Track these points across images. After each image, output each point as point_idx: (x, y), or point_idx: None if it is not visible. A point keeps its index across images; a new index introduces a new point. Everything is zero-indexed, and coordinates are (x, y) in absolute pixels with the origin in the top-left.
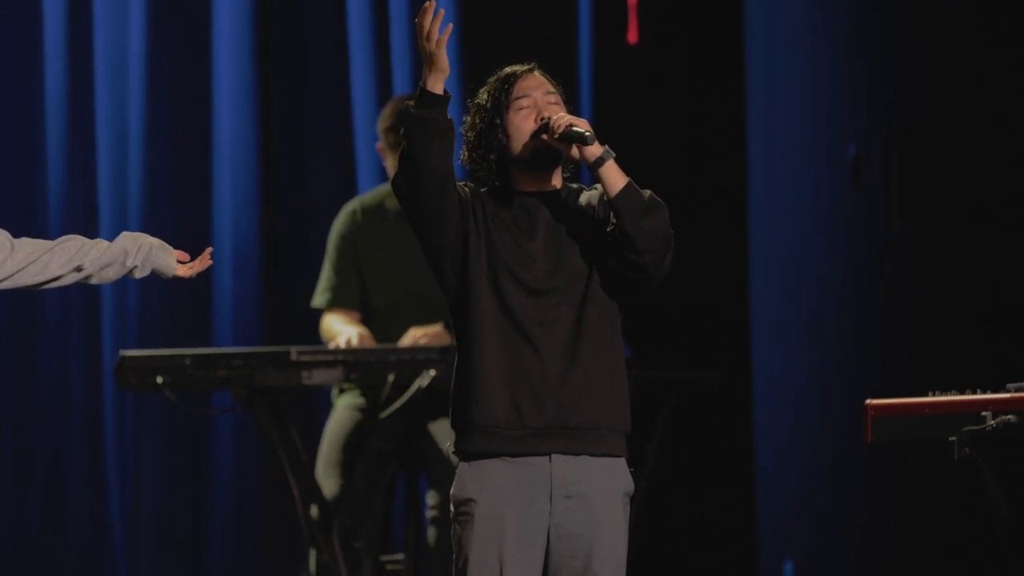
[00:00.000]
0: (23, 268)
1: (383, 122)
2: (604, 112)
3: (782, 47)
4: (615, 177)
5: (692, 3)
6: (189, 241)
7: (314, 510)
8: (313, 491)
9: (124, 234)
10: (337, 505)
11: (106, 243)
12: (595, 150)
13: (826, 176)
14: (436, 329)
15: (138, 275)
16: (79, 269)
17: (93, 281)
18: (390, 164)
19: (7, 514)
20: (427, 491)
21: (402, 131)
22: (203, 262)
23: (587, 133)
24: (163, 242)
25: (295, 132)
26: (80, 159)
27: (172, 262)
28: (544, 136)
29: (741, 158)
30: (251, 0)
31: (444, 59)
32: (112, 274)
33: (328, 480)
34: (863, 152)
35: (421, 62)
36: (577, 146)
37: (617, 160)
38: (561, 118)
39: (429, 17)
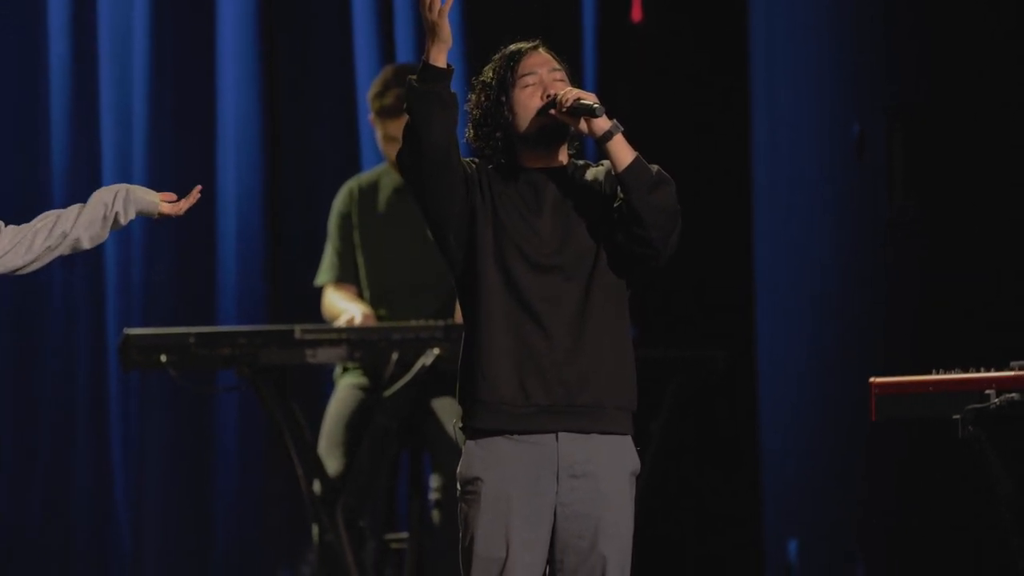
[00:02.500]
0: (10, 250)
1: (371, 91)
2: (608, 91)
3: (786, 26)
4: (623, 151)
5: None
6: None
7: (317, 486)
8: (316, 468)
9: (98, 189)
10: (340, 483)
11: (81, 205)
12: (603, 123)
13: (830, 156)
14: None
15: (124, 221)
16: (64, 235)
17: (86, 244)
18: (380, 135)
19: (11, 492)
20: (430, 473)
21: (405, 105)
22: (190, 199)
23: (596, 105)
24: (141, 186)
25: (299, 111)
26: (84, 140)
27: (154, 199)
28: (552, 111)
29: (745, 138)
30: None
31: (446, 29)
32: (99, 230)
33: (330, 459)
34: (867, 132)
35: (424, 42)
36: (585, 120)
37: (625, 135)
38: (569, 91)
39: None
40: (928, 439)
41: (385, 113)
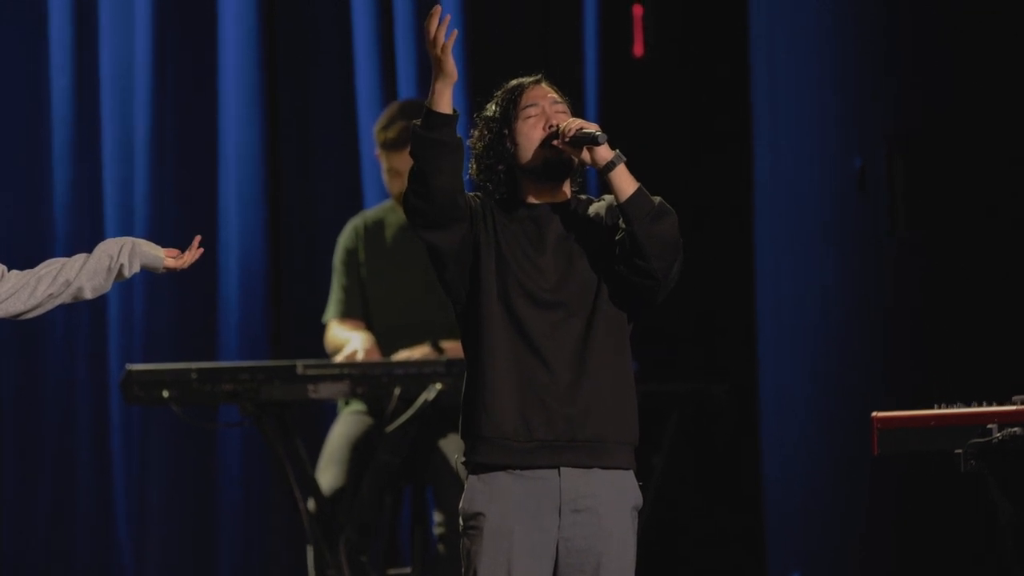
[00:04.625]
0: (12, 295)
1: (377, 125)
2: (610, 125)
3: (787, 59)
4: (626, 182)
5: (698, 16)
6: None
7: (311, 503)
8: (317, 498)
9: (104, 241)
10: (335, 504)
11: (86, 255)
12: (606, 153)
13: (831, 186)
14: (424, 350)
15: (128, 273)
16: (68, 283)
17: (88, 294)
18: (384, 167)
19: (14, 529)
20: (434, 508)
21: (410, 151)
22: (193, 253)
23: (598, 133)
24: (146, 240)
25: (301, 144)
26: (86, 173)
27: (159, 254)
28: (555, 142)
29: (747, 170)
30: (257, 13)
31: (451, 64)
32: (103, 280)
33: (325, 474)
34: (868, 162)
35: (425, 77)
36: (588, 150)
37: (627, 165)
38: (572, 121)
39: (435, 23)
40: (930, 473)
41: (390, 146)
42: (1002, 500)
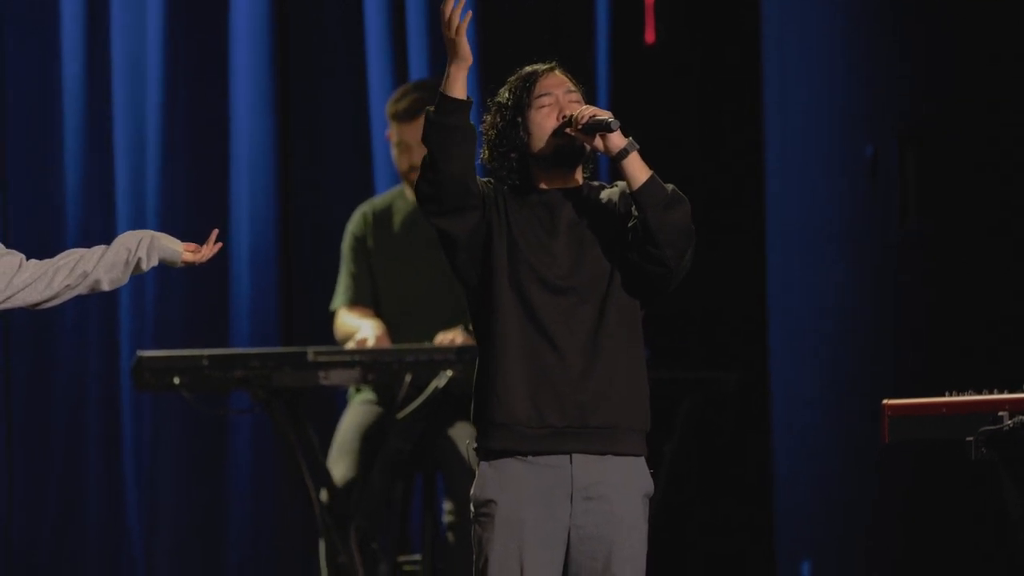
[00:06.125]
0: (30, 284)
1: (389, 100)
2: (621, 112)
3: (798, 46)
4: (639, 169)
5: (709, 3)
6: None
7: (324, 494)
8: (330, 488)
9: (123, 233)
10: (348, 495)
11: (105, 247)
12: (619, 140)
13: (842, 176)
14: (455, 333)
15: (146, 267)
16: (85, 275)
17: (105, 287)
18: (394, 142)
19: (24, 515)
20: (444, 496)
21: (423, 136)
22: (211, 247)
23: (611, 120)
24: (165, 233)
25: (312, 133)
26: (98, 163)
27: (178, 248)
28: (568, 129)
29: (758, 158)
30: (268, 5)
31: (465, 46)
32: (120, 274)
33: (338, 465)
34: (879, 151)
35: (437, 66)
36: (601, 137)
37: (640, 153)
38: (585, 109)
39: (450, 5)
40: (940, 461)
41: (401, 117)
42: (1011, 490)
